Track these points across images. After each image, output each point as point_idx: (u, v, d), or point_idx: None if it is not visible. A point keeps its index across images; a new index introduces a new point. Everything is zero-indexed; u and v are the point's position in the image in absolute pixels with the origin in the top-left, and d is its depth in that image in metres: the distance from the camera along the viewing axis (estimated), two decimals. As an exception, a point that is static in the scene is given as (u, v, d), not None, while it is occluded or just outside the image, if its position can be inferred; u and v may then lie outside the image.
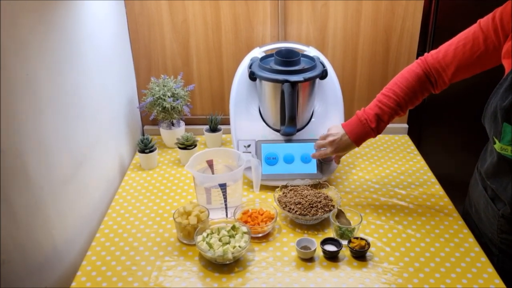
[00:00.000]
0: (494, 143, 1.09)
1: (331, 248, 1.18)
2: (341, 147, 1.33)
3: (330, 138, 1.34)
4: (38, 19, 1.03)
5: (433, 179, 1.52)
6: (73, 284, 1.10)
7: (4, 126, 0.91)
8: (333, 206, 1.30)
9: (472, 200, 1.31)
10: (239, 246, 1.15)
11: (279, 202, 1.32)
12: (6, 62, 0.91)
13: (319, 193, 1.35)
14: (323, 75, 1.44)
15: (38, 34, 1.03)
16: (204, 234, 1.19)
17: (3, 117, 0.90)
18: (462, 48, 1.16)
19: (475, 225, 1.29)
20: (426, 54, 1.25)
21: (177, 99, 1.63)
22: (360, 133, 1.30)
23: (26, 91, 0.98)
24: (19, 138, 0.96)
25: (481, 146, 1.27)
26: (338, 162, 1.45)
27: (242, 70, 1.52)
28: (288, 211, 1.28)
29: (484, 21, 1.13)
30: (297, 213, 1.27)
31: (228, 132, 1.71)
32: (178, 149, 1.61)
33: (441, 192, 1.45)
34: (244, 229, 1.20)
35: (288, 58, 1.42)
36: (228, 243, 1.16)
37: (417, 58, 1.72)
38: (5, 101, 0.91)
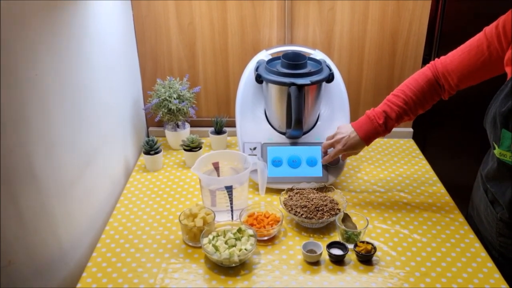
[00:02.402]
0: (494, 148, 1.10)
1: (337, 251, 1.18)
2: (349, 144, 1.34)
3: (339, 136, 1.36)
4: (47, 20, 1.03)
5: (439, 184, 1.52)
6: (79, 285, 1.10)
7: (12, 127, 0.91)
8: (339, 209, 1.30)
9: (474, 203, 1.32)
10: (245, 249, 1.14)
11: (284, 205, 1.32)
12: (15, 62, 0.91)
13: (325, 196, 1.35)
14: (330, 78, 1.44)
15: (47, 35, 1.03)
16: (210, 236, 1.19)
17: (11, 118, 0.90)
18: (467, 54, 1.18)
19: (477, 228, 1.30)
20: (436, 59, 1.27)
21: (183, 101, 1.63)
22: (369, 129, 1.31)
23: (35, 91, 0.98)
24: (27, 139, 0.97)
25: (485, 151, 1.27)
26: (344, 158, 1.45)
27: (248, 72, 1.52)
28: (294, 214, 1.28)
29: (489, 28, 1.14)
30: (303, 216, 1.26)
31: (232, 134, 1.71)
32: (183, 151, 1.61)
33: (447, 197, 1.45)
34: (250, 231, 1.20)
35: (294, 61, 1.42)
36: (234, 245, 1.16)
37: (423, 62, 1.74)
38: (13, 101, 0.91)
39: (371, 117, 1.31)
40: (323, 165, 1.45)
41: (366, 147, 1.35)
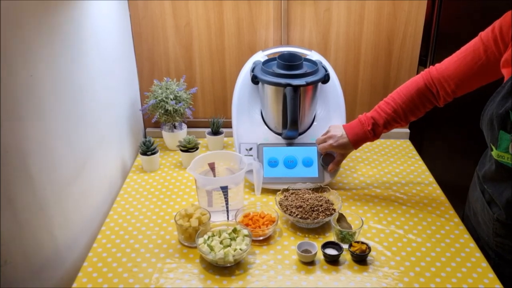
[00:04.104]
0: (492, 150, 1.10)
1: (332, 251, 1.18)
2: (340, 142, 1.36)
3: (332, 132, 1.38)
4: (43, 20, 1.04)
5: (434, 184, 1.52)
6: (74, 285, 1.10)
7: (8, 127, 0.91)
8: (334, 210, 1.30)
9: (471, 204, 1.32)
10: (240, 249, 1.15)
11: (280, 205, 1.32)
12: (11, 62, 0.91)
13: (320, 196, 1.35)
14: (325, 79, 1.45)
15: (43, 35, 1.04)
16: (205, 236, 1.20)
17: (7, 118, 0.91)
18: (463, 59, 1.18)
19: (474, 229, 1.30)
20: (431, 66, 1.27)
21: (180, 102, 1.63)
22: (358, 133, 1.33)
23: (30, 92, 0.99)
24: (23, 139, 0.97)
25: (482, 151, 1.28)
26: (331, 170, 1.44)
27: (245, 73, 1.53)
28: (289, 215, 1.28)
29: (485, 33, 1.15)
30: (298, 216, 1.27)
31: (229, 135, 1.71)
32: (180, 151, 1.61)
33: (442, 197, 1.45)
34: (245, 232, 1.20)
35: (290, 62, 1.43)
36: (229, 245, 1.16)
37: (419, 63, 1.75)
38: (9, 101, 0.91)
39: (362, 121, 1.33)
40: (318, 166, 1.46)
41: (360, 148, 1.37)
